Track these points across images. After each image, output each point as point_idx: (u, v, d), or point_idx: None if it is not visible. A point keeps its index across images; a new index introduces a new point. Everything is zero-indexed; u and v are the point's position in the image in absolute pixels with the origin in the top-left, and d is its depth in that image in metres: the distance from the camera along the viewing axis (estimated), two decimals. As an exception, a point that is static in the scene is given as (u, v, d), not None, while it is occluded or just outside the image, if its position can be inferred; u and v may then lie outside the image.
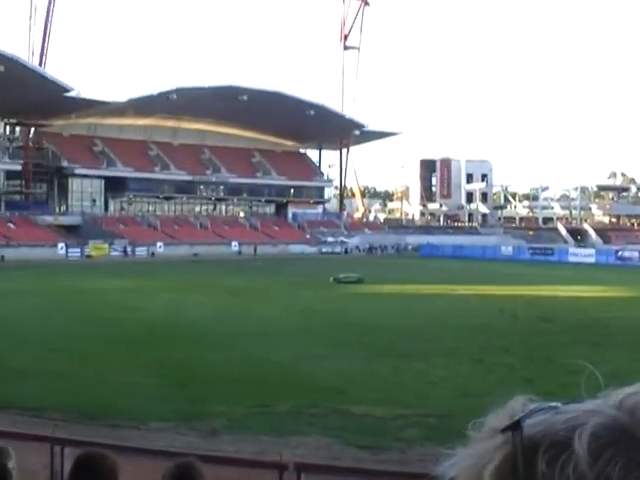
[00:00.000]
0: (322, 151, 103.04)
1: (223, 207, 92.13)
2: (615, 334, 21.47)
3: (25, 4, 79.40)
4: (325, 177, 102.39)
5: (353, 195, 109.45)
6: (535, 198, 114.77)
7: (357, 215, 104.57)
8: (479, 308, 28.14)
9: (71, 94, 73.04)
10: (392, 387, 14.77)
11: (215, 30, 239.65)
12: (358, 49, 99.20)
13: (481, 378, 15.40)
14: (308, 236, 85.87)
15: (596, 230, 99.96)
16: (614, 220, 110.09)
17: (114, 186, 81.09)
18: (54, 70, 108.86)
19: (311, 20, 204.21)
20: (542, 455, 0.62)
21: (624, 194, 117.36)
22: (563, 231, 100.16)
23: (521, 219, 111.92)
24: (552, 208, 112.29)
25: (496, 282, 39.72)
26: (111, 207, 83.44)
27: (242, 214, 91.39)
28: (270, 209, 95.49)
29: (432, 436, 10.87)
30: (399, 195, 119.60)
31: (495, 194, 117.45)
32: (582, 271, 50.94)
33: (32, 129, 79.26)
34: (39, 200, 79.33)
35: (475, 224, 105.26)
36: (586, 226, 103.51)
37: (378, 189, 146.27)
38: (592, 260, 67.31)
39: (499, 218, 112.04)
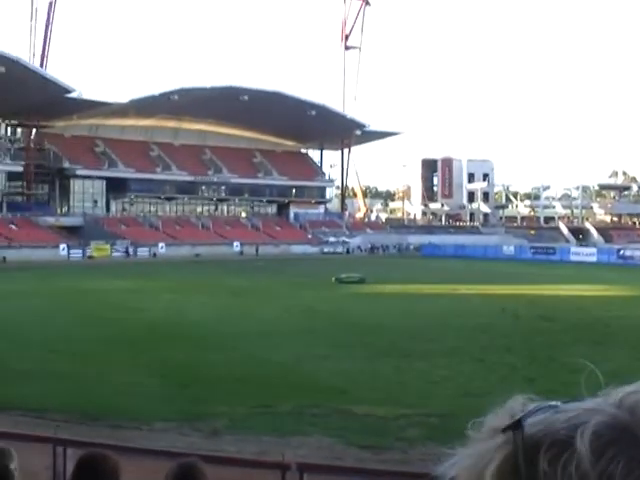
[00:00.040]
0: (323, 151, 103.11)
1: (225, 207, 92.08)
2: (617, 333, 21.46)
3: (26, 5, 79.75)
4: (327, 177, 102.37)
5: (355, 195, 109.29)
6: (537, 197, 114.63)
7: (359, 215, 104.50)
8: (481, 308, 28.14)
9: (72, 95, 73.04)
10: (394, 387, 14.75)
11: (216, 31, 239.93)
12: (359, 49, 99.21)
13: (483, 377, 15.39)
14: (310, 236, 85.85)
15: (598, 229, 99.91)
16: (616, 219, 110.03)
17: (116, 187, 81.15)
18: (55, 71, 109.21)
19: (312, 20, 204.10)
20: (544, 454, 0.62)
21: (625, 193, 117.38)
22: (565, 230, 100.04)
23: (523, 218, 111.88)
24: (554, 207, 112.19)
25: (498, 281, 39.75)
26: (113, 208, 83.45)
27: (244, 214, 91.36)
28: (272, 209, 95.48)
29: (434, 436, 10.85)
30: (401, 195, 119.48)
31: (497, 193, 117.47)
32: (584, 270, 50.89)
33: (33, 130, 79.26)
34: (41, 201, 79.28)
35: (477, 224, 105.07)
36: (588, 225, 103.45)
37: (380, 189, 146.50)
38: (594, 259, 67.24)
39: (501, 217, 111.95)
